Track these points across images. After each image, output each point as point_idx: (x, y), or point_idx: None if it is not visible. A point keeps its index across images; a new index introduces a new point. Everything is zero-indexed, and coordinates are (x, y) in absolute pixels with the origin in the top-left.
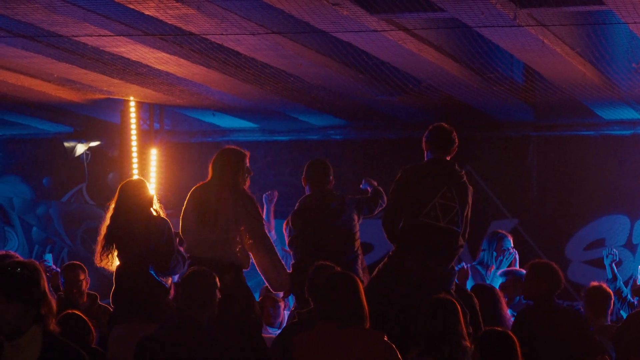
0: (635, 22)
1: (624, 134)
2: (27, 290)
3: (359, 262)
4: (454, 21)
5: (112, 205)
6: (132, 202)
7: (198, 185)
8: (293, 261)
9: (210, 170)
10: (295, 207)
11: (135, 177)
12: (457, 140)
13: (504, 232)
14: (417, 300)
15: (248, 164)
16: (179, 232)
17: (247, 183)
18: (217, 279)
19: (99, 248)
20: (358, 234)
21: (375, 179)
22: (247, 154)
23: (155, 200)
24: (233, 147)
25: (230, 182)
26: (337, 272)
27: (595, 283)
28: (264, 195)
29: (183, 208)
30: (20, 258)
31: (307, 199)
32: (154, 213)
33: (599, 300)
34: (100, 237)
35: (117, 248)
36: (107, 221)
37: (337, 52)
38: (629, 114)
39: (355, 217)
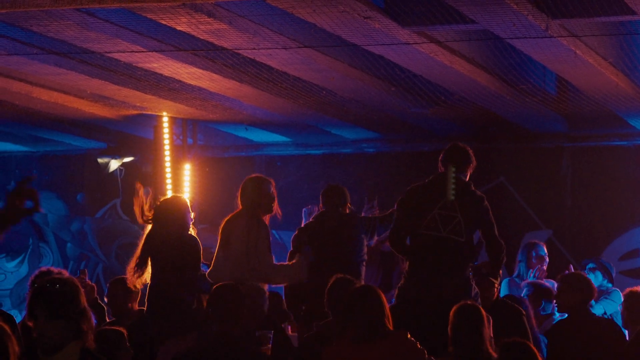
0: None
1: None
2: (68, 307)
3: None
4: (486, 33)
5: (149, 224)
6: (167, 220)
7: (228, 216)
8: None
9: (238, 201)
10: (302, 225)
11: (171, 194)
12: (470, 158)
13: (535, 240)
14: (440, 311)
15: (273, 190)
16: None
17: (274, 207)
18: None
19: (132, 264)
20: (364, 254)
21: None
22: (271, 181)
23: (189, 218)
24: (254, 175)
25: (248, 210)
26: (362, 285)
27: (633, 288)
28: (304, 209)
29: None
30: (65, 272)
31: (314, 218)
32: (189, 231)
33: (636, 304)
34: (137, 254)
35: (151, 264)
36: (143, 238)
37: (369, 65)
38: None
39: (364, 237)
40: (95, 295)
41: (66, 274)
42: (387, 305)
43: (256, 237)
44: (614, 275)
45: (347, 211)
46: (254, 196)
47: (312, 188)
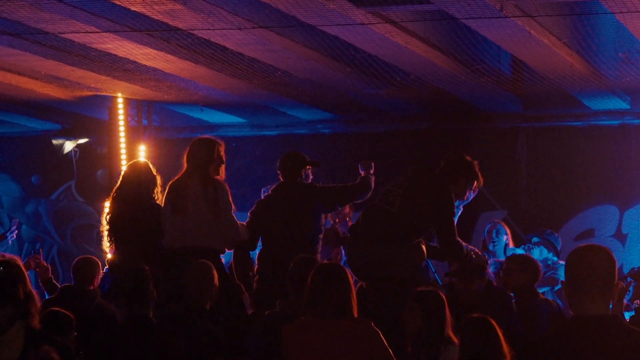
0: (622, 12)
1: (612, 124)
2: (14, 290)
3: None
4: (441, 13)
5: (113, 193)
6: (132, 188)
7: (173, 179)
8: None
9: (184, 161)
10: (262, 198)
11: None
12: (453, 162)
13: (496, 220)
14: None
15: (222, 153)
16: None
17: (221, 171)
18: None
19: (105, 236)
20: (321, 227)
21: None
22: (221, 143)
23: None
24: (205, 136)
25: (200, 171)
26: (325, 263)
27: None
28: (262, 189)
29: (162, 204)
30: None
31: (273, 191)
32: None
33: None
34: (104, 227)
35: (117, 237)
36: (107, 211)
37: (325, 46)
38: (616, 104)
39: (321, 209)
40: (50, 276)
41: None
42: (353, 287)
43: (215, 196)
44: (559, 248)
45: (304, 176)
46: (204, 156)
47: (267, 169)
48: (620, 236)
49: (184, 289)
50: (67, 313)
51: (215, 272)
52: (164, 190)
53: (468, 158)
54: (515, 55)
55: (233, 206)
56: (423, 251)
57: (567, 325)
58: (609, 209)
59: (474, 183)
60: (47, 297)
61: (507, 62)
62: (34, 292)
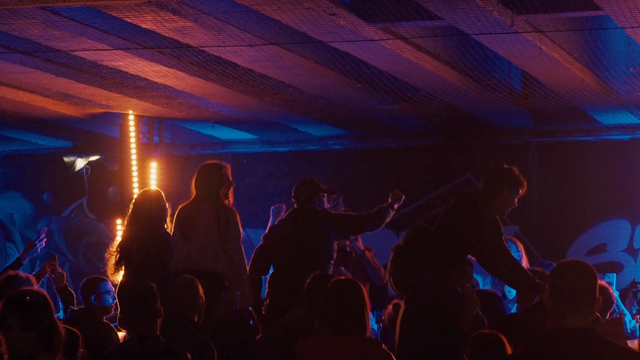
0: (632, 27)
1: (623, 139)
2: (41, 319)
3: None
4: (451, 29)
5: (126, 221)
6: (144, 216)
7: (183, 204)
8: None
9: (193, 188)
10: (276, 222)
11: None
12: (494, 176)
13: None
14: None
15: (230, 175)
16: None
17: (230, 194)
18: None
19: (111, 261)
20: (333, 253)
21: (375, 187)
22: (227, 166)
23: (165, 214)
24: (212, 161)
25: (211, 197)
26: (340, 279)
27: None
28: (272, 207)
29: (172, 229)
30: (32, 277)
31: (287, 215)
32: (165, 227)
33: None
34: (113, 250)
35: (126, 264)
36: (118, 238)
37: (335, 62)
38: (627, 118)
39: (334, 235)
40: (65, 283)
41: (33, 279)
42: (368, 302)
43: (226, 222)
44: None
45: (319, 204)
46: (214, 182)
47: (278, 185)
48: (632, 251)
49: (167, 303)
50: (75, 330)
51: (199, 286)
52: (173, 215)
53: (506, 166)
54: (526, 71)
55: (242, 234)
56: (468, 274)
57: (548, 338)
58: (621, 223)
59: (519, 189)
60: (61, 304)
61: (518, 77)
62: (59, 323)
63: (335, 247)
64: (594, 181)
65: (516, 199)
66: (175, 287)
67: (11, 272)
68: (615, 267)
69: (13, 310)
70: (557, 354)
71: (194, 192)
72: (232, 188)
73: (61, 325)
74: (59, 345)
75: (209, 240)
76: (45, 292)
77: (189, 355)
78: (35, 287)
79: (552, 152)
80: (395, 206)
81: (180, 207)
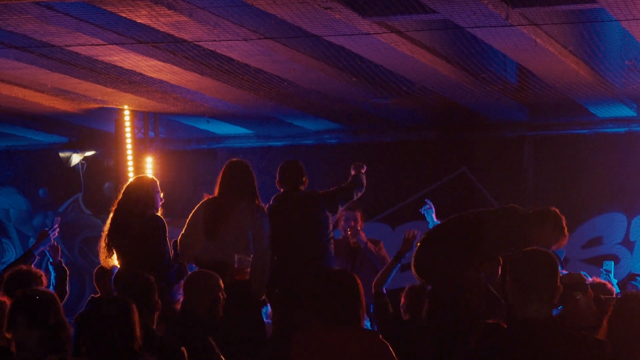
0: (627, 19)
1: (618, 132)
2: (48, 317)
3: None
4: (446, 22)
5: (115, 203)
6: (131, 201)
7: (209, 197)
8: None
9: (222, 184)
10: (265, 209)
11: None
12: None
13: None
14: None
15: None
16: (177, 240)
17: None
18: (220, 281)
19: (102, 244)
20: (330, 232)
21: (372, 181)
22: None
23: (158, 198)
24: (240, 160)
25: (246, 196)
26: (334, 271)
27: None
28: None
29: (193, 213)
30: (39, 271)
31: (275, 201)
32: (156, 211)
33: None
34: (102, 238)
35: (117, 248)
36: (108, 222)
37: (330, 56)
38: (623, 111)
39: (328, 214)
40: (60, 259)
41: (41, 272)
42: (363, 295)
43: (260, 224)
44: (562, 258)
45: (305, 187)
46: (250, 180)
47: (274, 180)
48: (628, 243)
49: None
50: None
51: (220, 283)
52: (196, 205)
53: (559, 214)
54: (521, 64)
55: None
56: (497, 266)
57: (510, 327)
58: (617, 216)
59: (560, 236)
60: (53, 279)
61: (513, 70)
62: (67, 322)
63: (331, 225)
64: (590, 174)
65: (551, 246)
66: (190, 282)
67: (24, 267)
68: (611, 260)
69: (21, 310)
70: (518, 343)
71: (224, 188)
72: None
73: (69, 326)
74: (67, 344)
75: (240, 238)
76: (53, 293)
77: (184, 351)
78: (45, 283)
79: (547, 145)
80: (362, 171)
81: (207, 199)
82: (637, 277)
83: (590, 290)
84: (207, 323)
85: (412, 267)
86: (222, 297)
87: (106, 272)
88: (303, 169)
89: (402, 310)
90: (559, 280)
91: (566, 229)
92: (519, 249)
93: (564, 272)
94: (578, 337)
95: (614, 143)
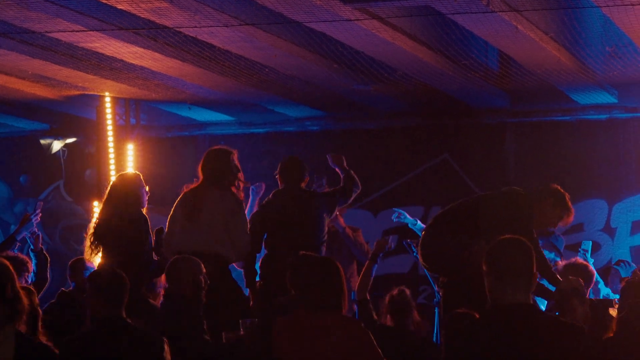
0: (608, 5)
1: (600, 119)
2: (4, 289)
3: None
4: (427, 9)
5: (102, 203)
6: (115, 201)
7: (189, 187)
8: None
9: (200, 172)
10: (263, 202)
11: (114, 174)
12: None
13: None
14: None
15: (236, 162)
16: (162, 228)
17: (238, 180)
18: (202, 266)
19: (87, 243)
20: (324, 235)
21: (354, 168)
22: (234, 152)
23: (144, 195)
24: (220, 147)
25: (218, 183)
26: (318, 257)
27: None
28: (251, 187)
29: (172, 209)
30: (28, 259)
31: (274, 196)
32: (138, 208)
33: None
34: (88, 233)
35: (102, 246)
36: (93, 222)
37: (312, 43)
38: (604, 98)
39: (325, 215)
40: (41, 246)
41: (27, 259)
42: (344, 281)
43: (233, 211)
44: (561, 249)
45: (304, 185)
46: (221, 167)
47: (256, 167)
48: (609, 230)
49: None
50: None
51: (202, 268)
52: (177, 194)
53: (561, 189)
54: (502, 50)
55: (248, 222)
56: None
57: (487, 314)
58: (598, 203)
59: (562, 212)
60: (34, 266)
61: (495, 57)
62: (22, 292)
63: (326, 228)
64: (571, 161)
65: (555, 221)
66: (171, 266)
67: (10, 254)
68: (592, 246)
69: None
70: (496, 329)
71: (201, 176)
72: (240, 174)
73: (24, 296)
74: (22, 315)
75: (214, 226)
76: (8, 263)
77: (165, 340)
78: (30, 270)
79: (529, 132)
80: (345, 165)
81: (186, 189)
82: (621, 263)
83: (588, 299)
84: (191, 304)
85: (419, 256)
86: (203, 281)
87: (79, 264)
88: (305, 167)
89: (384, 310)
90: (534, 267)
91: (570, 204)
92: (521, 228)
93: (562, 262)
94: (554, 322)
95: (595, 130)
